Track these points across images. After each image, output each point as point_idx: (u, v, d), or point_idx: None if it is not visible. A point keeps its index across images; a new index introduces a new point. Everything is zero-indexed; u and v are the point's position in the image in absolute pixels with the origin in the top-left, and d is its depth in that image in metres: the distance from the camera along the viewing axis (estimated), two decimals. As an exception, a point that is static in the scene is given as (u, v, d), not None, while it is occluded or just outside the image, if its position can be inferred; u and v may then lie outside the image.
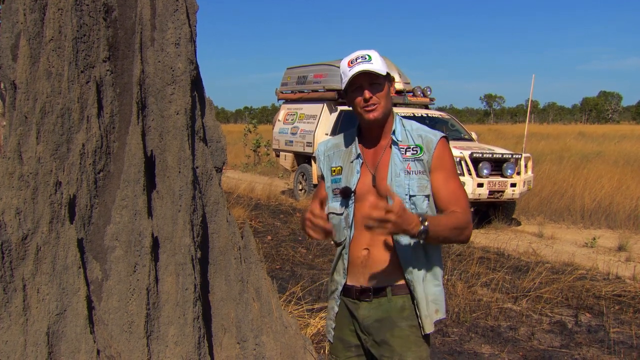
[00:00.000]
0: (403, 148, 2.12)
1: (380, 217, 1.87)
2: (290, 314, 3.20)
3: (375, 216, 1.88)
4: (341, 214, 2.18)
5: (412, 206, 2.08)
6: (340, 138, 2.28)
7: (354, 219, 2.16)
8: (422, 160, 2.09)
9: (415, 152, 2.11)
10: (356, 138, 2.21)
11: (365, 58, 2.07)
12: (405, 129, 2.15)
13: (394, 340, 2.10)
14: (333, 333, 2.27)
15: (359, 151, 2.18)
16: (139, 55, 2.62)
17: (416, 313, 2.12)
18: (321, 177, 2.30)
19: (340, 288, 2.22)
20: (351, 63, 2.08)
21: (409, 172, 2.09)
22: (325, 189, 2.25)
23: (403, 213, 1.91)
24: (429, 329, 2.11)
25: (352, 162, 2.18)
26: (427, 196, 2.10)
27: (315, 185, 11.83)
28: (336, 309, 2.24)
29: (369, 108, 2.08)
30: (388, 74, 2.10)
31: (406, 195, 2.08)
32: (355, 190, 2.16)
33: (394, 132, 2.14)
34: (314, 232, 2.03)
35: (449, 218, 2.06)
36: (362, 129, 2.20)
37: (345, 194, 2.16)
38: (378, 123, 2.12)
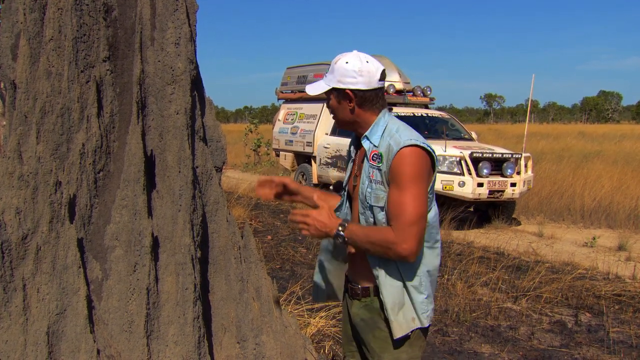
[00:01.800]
0: (374, 155, 2.04)
1: (299, 219, 2.07)
2: (290, 313, 3.20)
3: (296, 219, 2.08)
4: (337, 209, 2.26)
5: (370, 213, 2.05)
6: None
7: (352, 214, 2.21)
8: (380, 170, 2.01)
9: (378, 160, 2.02)
10: (354, 138, 2.24)
11: (327, 68, 2.13)
12: (384, 134, 2.04)
13: (375, 342, 2.12)
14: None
15: (352, 150, 2.24)
16: (138, 55, 2.62)
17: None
18: None
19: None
20: None
21: (371, 181, 2.03)
22: None
23: (319, 216, 2.04)
24: (397, 333, 2.06)
25: (350, 160, 2.26)
26: (383, 208, 2.01)
27: (315, 185, 11.85)
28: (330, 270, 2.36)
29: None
30: (343, 89, 2.05)
31: (367, 203, 2.04)
32: (346, 187, 2.22)
33: (366, 137, 2.08)
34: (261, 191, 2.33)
35: (375, 233, 1.99)
36: None
37: (337, 189, 2.24)
38: (343, 128, 2.20)
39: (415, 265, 2.07)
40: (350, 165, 2.24)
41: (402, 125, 2.06)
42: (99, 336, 2.37)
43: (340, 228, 2.01)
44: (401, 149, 1.95)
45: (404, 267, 2.05)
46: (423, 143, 1.98)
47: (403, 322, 2.06)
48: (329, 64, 2.13)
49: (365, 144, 2.07)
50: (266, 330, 2.79)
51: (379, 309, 2.11)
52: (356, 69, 2.02)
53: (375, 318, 2.12)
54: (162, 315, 2.50)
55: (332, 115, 2.17)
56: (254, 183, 13.51)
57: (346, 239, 2.02)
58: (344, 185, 2.23)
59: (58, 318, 2.31)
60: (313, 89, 2.13)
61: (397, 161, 1.95)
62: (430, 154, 1.99)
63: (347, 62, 2.03)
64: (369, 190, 2.03)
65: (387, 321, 2.09)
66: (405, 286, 2.06)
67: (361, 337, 2.19)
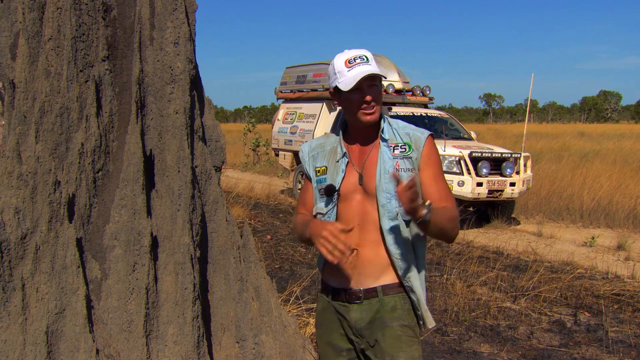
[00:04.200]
0: (392, 146, 2.12)
1: (410, 193, 1.84)
2: (289, 313, 3.20)
3: (405, 186, 1.85)
4: (325, 214, 2.18)
5: (398, 202, 2.06)
6: (324, 138, 2.28)
7: (339, 218, 2.14)
8: (410, 158, 2.10)
9: (404, 150, 2.11)
10: (341, 137, 2.20)
11: (364, 59, 2.08)
12: (392, 127, 2.16)
13: (385, 341, 2.10)
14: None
15: (344, 150, 2.17)
16: (138, 55, 2.62)
17: (415, 311, 2.13)
18: (307, 179, 2.30)
19: (328, 290, 2.22)
20: (349, 63, 2.07)
21: (397, 170, 2.09)
22: (312, 190, 2.26)
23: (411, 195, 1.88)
24: (431, 323, 2.16)
25: (337, 161, 2.18)
26: None
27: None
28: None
29: (369, 111, 2.09)
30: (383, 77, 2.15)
31: (395, 192, 2.05)
32: (339, 189, 2.15)
33: (382, 131, 2.14)
34: (329, 254, 1.93)
35: (446, 210, 2.06)
36: (350, 128, 2.19)
37: (329, 192, 2.16)
38: (373, 124, 2.14)
39: (424, 257, 2.19)
40: (340, 164, 2.17)
41: (398, 119, 2.24)
42: (98, 336, 2.37)
43: (428, 207, 1.93)
44: (428, 136, 2.13)
45: (419, 259, 2.14)
46: None
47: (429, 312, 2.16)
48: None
49: (385, 136, 2.15)
50: (265, 330, 2.79)
51: (390, 308, 2.10)
52: None
53: (385, 317, 2.10)
54: (161, 315, 2.49)
55: (376, 107, 2.10)
56: (252, 182, 13.54)
57: (429, 220, 1.94)
58: (337, 187, 2.15)
59: (57, 317, 2.31)
60: (380, 72, 2.10)
61: (428, 148, 2.12)
62: None
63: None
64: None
65: (399, 319, 2.10)
66: (418, 275, 2.16)
67: (369, 340, 2.13)
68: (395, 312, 2.10)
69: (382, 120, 2.16)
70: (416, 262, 2.13)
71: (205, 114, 2.93)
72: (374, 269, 2.10)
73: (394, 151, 2.11)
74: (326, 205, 2.18)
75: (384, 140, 2.13)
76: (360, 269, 2.11)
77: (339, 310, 2.18)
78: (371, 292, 2.11)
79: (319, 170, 2.22)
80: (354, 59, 2.08)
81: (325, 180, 2.19)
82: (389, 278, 2.11)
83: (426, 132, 2.14)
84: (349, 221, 2.11)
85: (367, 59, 2.09)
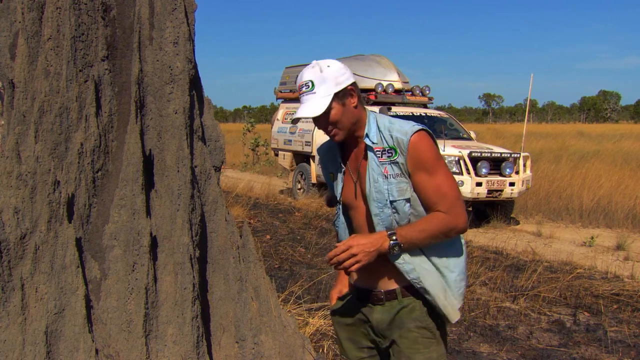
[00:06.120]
0: (379, 151, 2.02)
1: (344, 257, 1.94)
2: (288, 312, 3.20)
3: (341, 259, 1.94)
4: (337, 225, 2.22)
5: (394, 211, 2.02)
6: (329, 142, 2.23)
7: (352, 226, 2.16)
8: (397, 162, 1.99)
9: (390, 154, 2.00)
10: (337, 146, 2.17)
11: (308, 86, 2.00)
12: (380, 129, 2.04)
13: (402, 342, 2.08)
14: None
15: (339, 160, 2.15)
16: (137, 54, 2.62)
17: (429, 312, 2.09)
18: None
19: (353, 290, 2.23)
20: (299, 89, 2.03)
21: (386, 177, 2.01)
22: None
23: (360, 240, 1.96)
24: (454, 317, 2.08)
25: (337, 170, 2.17)
26: (408, 199, 2.02)
27: (314, 184, 11.86)
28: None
29: (331, 133, 2.05)
30: (345, 87, 2.00)
31: (387, 200, 2.02)
32: (340, 199, 2.15)
33: (367, 136, 2.05)
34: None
35: (429, 226, 1.99)
36: None
37: (330, 203, 2.17)
38: (346, 138, 2.07)
39: (439, 245, 2.07)
40: (340, 175, 2.15)
41: (390, 118, 2.09)
42: (98, 336, 2.37)
43: (394, 238, 1.97)
44: (411, 137, 1.97)
45: (429, 250, 2.05)
46: (422, 125, 2.02)
47: (455, 304, 2.07)
48: None
49: (368, 142, 2.05)
50: (265, 330, 2.79)
51: (408, 309, 2.08)
52: (341, 67, 2.03)
53: (403, 318, 2.08)
54: (160, 315, 2.49)
55: (335, 129, 2.03)
56: (252, 182, 13.55)
57: (402, 245, 1.98)
58: (338, 197, 2.14)
59: (56, 317, 2.31)
60: (314, 109, 1.99)
61: (413, 149, 1.97)
62: (431, 133, 2.04)
63: (329, 66, 2.01)
64: (386, 186, 2.00)
65: (416, 321, 2.07)
66: (437, 269, 2.07)
67: (388, 340, 2.13)
68: (413, 313, 2.08)
69: (369, 123, 2.06)
70: (428, 261, 2.05)
71: (205, 113, 2.93)
72: (390, 271, 2.08)
73: (381, 156, 2.01)
74: (336, 213, 2.21)
75: (370, 146, 2.04)
76: (380, 270, 2.10)
77: (362, 311, 2.19)
78: (391, 294, 2.10)
79: (331, 176, 2.23)
80: (300, 87, 2.03)
81: (332, 186, 2.21)
82: (407, 279, 2.08)
83: (410, 132, 1.97)
84: (359, 228, 2.12)
85: (312, 86, 1.99)
